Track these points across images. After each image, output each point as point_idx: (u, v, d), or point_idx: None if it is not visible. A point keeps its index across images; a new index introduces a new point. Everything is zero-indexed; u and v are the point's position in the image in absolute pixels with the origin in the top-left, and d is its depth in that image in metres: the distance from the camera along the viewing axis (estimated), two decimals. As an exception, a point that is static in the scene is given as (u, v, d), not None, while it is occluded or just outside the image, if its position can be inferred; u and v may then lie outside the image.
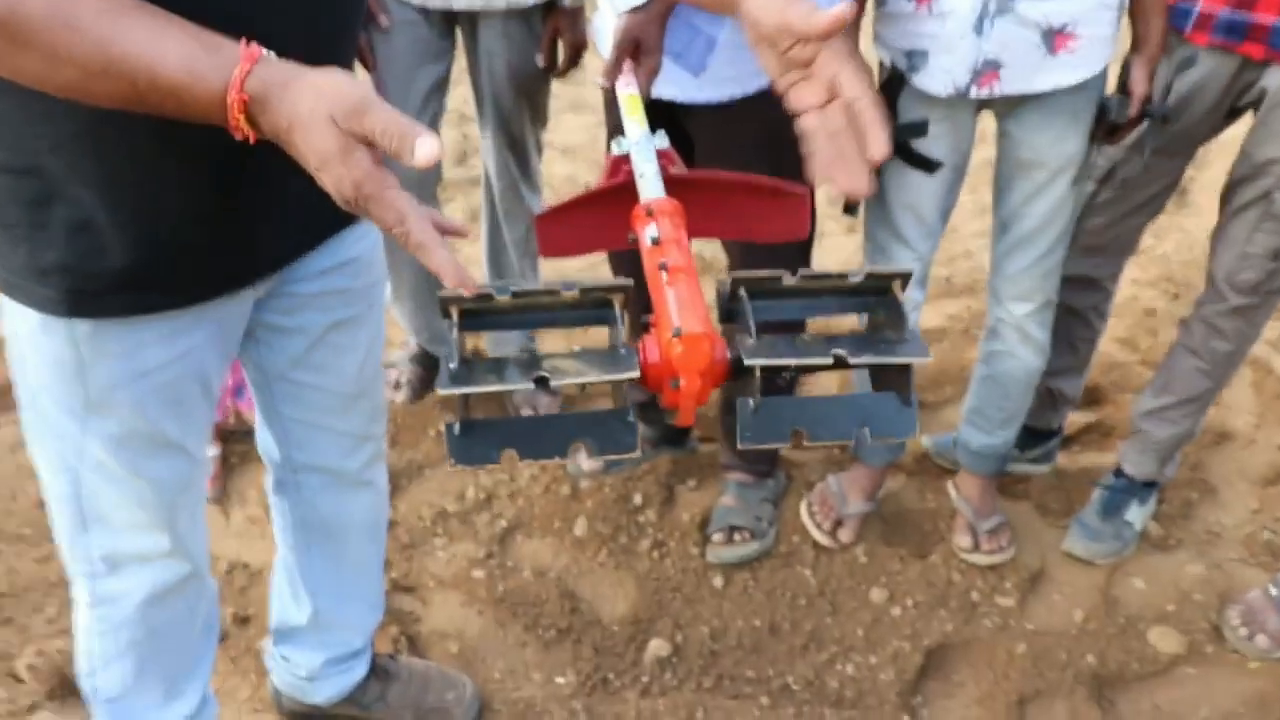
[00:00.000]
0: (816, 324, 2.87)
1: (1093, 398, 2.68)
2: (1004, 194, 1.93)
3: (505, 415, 0.81)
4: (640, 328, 0.93)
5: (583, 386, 1.71)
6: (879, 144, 0.91)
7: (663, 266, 0.94)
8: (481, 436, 0.85)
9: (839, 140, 0.95)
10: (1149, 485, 2.28)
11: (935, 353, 2.85)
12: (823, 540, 2.22)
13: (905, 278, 0.93)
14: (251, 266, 1.27)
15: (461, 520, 2.29)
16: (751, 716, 1.86)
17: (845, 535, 2.21)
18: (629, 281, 0.90)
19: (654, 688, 1.94)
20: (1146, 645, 2.02)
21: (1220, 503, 2.39)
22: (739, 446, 0.90)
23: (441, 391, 0.83)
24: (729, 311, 0.95)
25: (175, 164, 1.10)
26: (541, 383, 0.83)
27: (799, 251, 2.08)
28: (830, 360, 0.87)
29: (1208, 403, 2.18)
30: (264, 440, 1.60)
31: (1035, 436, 2.40)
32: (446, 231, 0.97)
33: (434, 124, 2.33)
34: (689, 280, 0.92)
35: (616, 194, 1.19)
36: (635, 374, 0.85)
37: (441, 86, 2.28)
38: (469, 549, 2.22)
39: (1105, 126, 1.81)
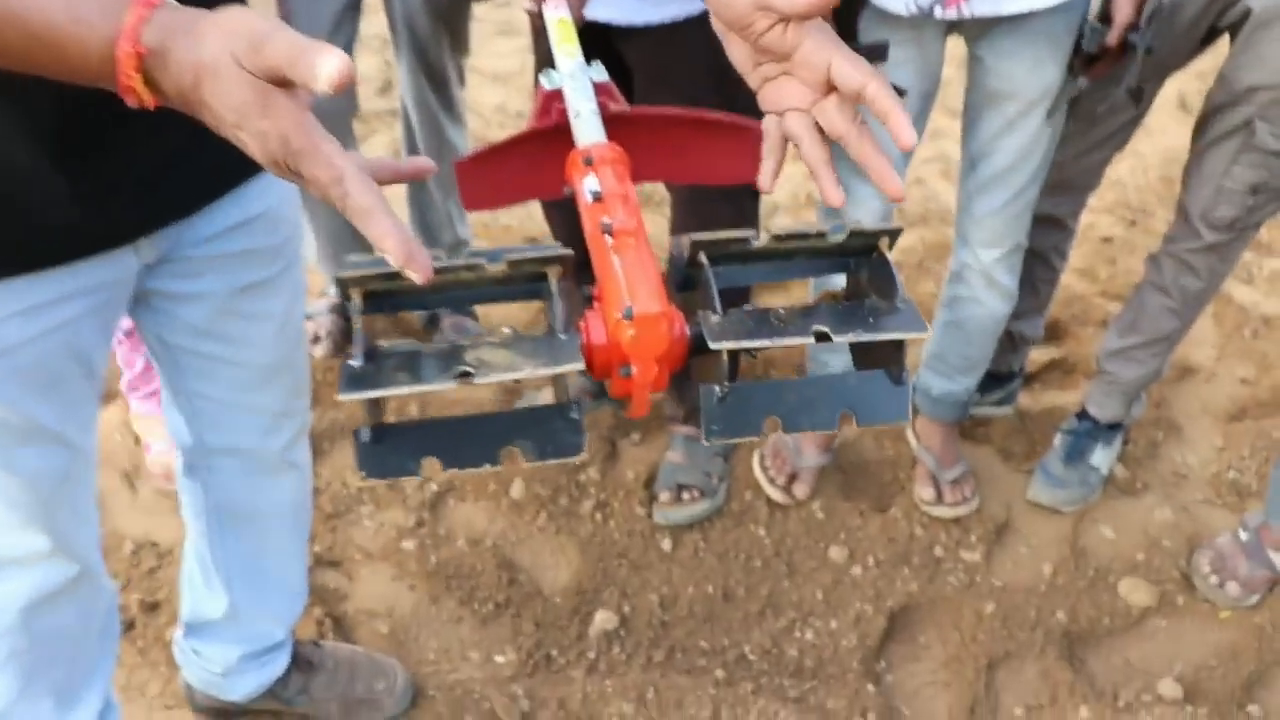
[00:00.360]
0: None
1: (1053, 333, 2.57)
2: (973, 128, 1.77)
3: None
4: (583, 301, 0.78)
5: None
6: (906, 130, 0.74)
7: (606, 229, 0.78)
8: (397, 444, 0.71)
9: (850, 143, 0.78)
10: (1114, 427, 2.18)
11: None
12: (777, 496, 2.09)
13: (894, 235, 0.79)
14: (120, 230, 1.09)
15: (389, 485, 2.12)
16: (706, 694, 1.73)
17: (801, 490, 2.09)
18: (567, 251, 0.74)
19: (601, 664, 1.81)
20: (1117, 598, 1.93)
21: (1185, 441, 2.30)
22: (705, 442, 0.76)
23: (342, 397, 0.67)
24: (686, 279, 0.80)
25: (16, 114, 0.93)
26: (465, 378, 0.67)
27: (750, 189, 1.91)
28: (811, 338, 0.74)
29: (1175, 342, 2.07)
30: (172, 421, 1.43)
31: (996, 379, 2.28)
32: (404, 175, 0.79)
33: (348, 50, 2.11)
34: (638, 245, 0.77)
35: (548, 136, 1.03)
36: (578, 366, 0.70)
37: (354, 7, 2.06)
38: (398, 517, 2.05)
39: (1083, 57, 1.64)
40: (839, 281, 0.82)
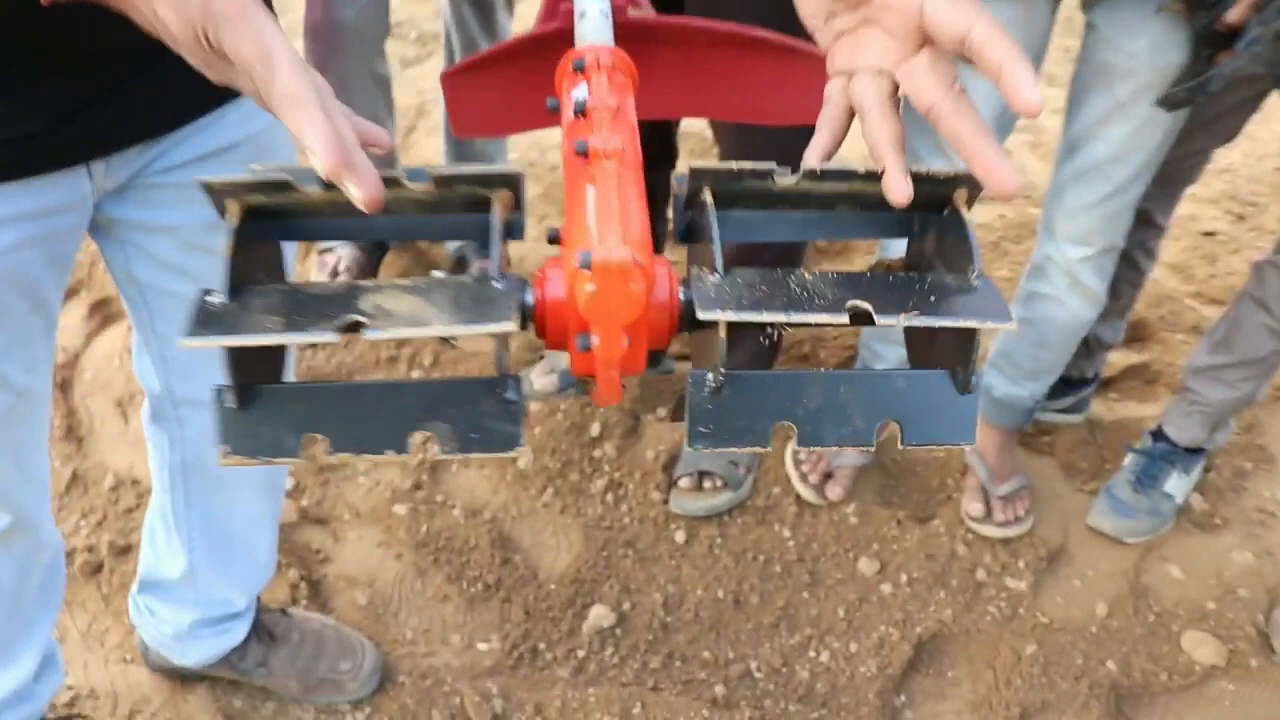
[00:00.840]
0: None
1: (1137, 334, 2.32)
2: (1077, 107, 1.51)
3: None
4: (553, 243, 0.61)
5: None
6: (1028, 87, 0.53)
7: (581, 150, 0.60)
8: (274, 412, 0.53)
9: (944, 116, 0.57)
10: (1194, 451, 1.93)
11: (959, 269, 2.48)
12: (808, 495, 1.89)
13: (975, 186, 0.58)
14: (64, 151, 0.95)
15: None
16: (699, 717, 1.56)
17: (835, 491, 1.88)
18: (516, 170, 0.56)
19: (590, 665, 1.64)
20: (1179, 652, 1.71)
21: (1278, 474, 2.05)
22: (687, 447, 0.58)
23: (184, 343, 0.50)
24: (690, 227, 0.61)
25: None
26: (353, 331, 0.50)
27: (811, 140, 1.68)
28: (845, 318, 0.53)
29: (1275, 366, 1.81)
30: (141, 366, 1.29)
31: (1066, 384, 2.05)
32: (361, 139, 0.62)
33: None
34: (622, 172, 0.59)
35: (552, 45, 0.84)
36: (509, 326, 0.50)
37: None
38: (394, 477, 1.90)
39: (1216, 39, 1.36)
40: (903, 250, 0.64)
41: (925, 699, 1.65)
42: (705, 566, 1.79)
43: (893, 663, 1.67)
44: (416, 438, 0.53)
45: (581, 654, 1.65)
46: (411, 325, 0.50)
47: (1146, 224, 1.85)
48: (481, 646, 1.66)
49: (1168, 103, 1.42)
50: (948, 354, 0.57)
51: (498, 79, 0.93)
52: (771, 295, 0.54)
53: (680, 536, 1.83)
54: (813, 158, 0.64)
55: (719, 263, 0.55)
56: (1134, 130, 1.46)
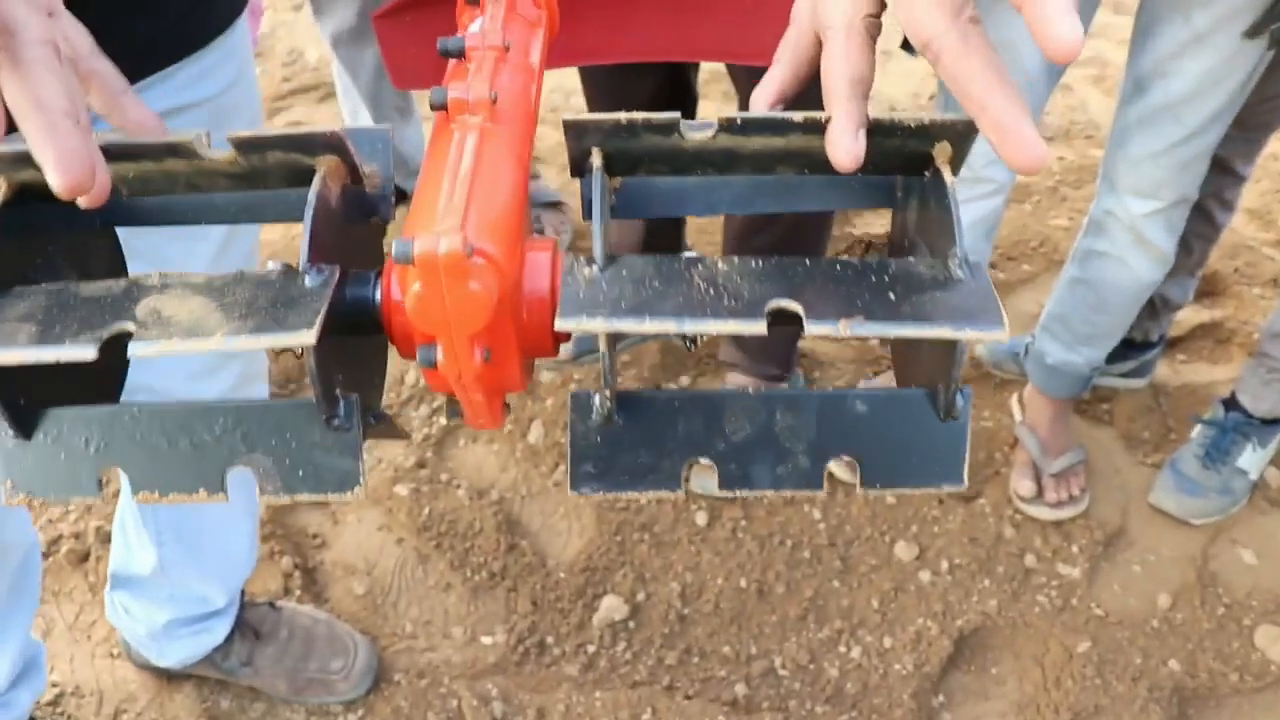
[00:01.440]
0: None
1: (1209, 288, 2.12)
2: (1146, 38, 1.32)
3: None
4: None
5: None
6: (1063, 20, 0.38)
7: (438, 102, 0.49)
8: (62, 441, 0.45)
9: (946, 57, 0.42)
10: (1271, 422, 1.75)
11: (1015, 216, 2.29)
12: (841, 473, 1.74)
13: (961, 134, 0.44)
14: None
15: (395, 415, 1.85)
16: (716, 723, 1.44)
17: (869, 468, 1.73)
18: (334, 130, 0.45)
19: (601, 662, 1.52)
20: (1251, 649, 1.55)
21: (1364, 445, 1.85)
22: (572, 491, 0.46)
23: None
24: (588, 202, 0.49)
25: None
26: (113, 347, 0.41)
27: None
28: (762, 325, 0.40)
29: (1370, 328, 1.62)
30: None
31: (1129, 346, 1.87)
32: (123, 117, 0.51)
33: None
34: (492, 132, 0.48)
35: None
36: (305, 337, 0.39)
37: None
38: (398, 454, 1.78)
39: None
40: None
41: (966, 699, 1.51)
42: (727, 552, 1.65)
43: (930, 659, 1.53)
44: (236, 474, 0.44)
45: (591, 649, 1.53)
46: (188, 337, 0.40)
47: (1224, 172, 1.66)
48: (485, 640, 1.55)
49: (1277, 40, 1.22)
50: (931, 367, 0.44)
51: (438, 19, 0.78)
52: (664, 295, 0.41)
53: (701, 519, 1.69)
54: (760, 99, 0.49)
55: (600, 250, 0.42)
56: (1214, 65, 1.26)
